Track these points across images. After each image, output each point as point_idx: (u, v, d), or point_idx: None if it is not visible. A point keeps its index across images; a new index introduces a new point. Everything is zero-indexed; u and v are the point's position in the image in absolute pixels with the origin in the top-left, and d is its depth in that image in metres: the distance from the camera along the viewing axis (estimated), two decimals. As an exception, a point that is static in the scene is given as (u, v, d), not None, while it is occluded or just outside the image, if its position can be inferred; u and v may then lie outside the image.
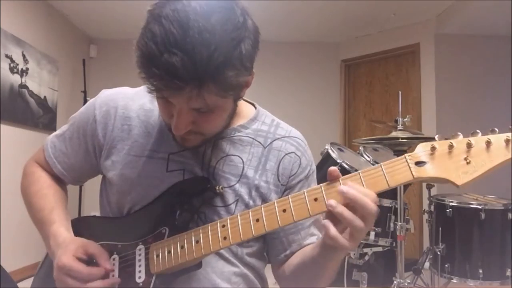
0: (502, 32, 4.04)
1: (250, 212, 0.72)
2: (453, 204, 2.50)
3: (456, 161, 0.62)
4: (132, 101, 0.91)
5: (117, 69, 4.92)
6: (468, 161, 0.61)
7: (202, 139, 0.83)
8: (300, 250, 0.90)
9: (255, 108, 0.96)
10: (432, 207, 2.66)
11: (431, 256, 2.62)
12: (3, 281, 1.58)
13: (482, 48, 4.27)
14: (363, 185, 0.65)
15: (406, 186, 2.70)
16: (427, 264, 2.75)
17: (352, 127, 5.09)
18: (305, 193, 0.69)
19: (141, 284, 0.79)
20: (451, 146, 0.63)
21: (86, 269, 0.78)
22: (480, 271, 2.39)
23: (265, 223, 0.70)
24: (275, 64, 4.98)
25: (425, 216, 2.78)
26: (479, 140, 0.62)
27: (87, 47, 4.92)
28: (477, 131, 0.63)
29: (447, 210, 2.49)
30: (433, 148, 0.64)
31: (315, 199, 0.68)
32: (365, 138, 2.45)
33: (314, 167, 0.96)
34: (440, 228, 2.54)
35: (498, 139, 0.61)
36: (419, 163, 0.64)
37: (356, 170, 0.68)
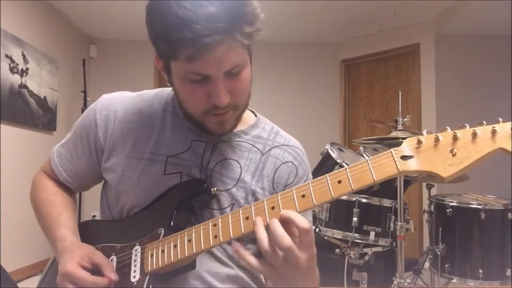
0: (502, 32, 4.04)
1: (240, 211, 0.73)
2: (453, 204, 2.51)
3: (442, 153, 0.62)
4: (132, 105, 0.93)
5: (117, 69, 4.94)
6: (454, 153, 0.61)
7: (236, 116, 0.84)
8: None
9: (256, 116, 0.98)
10: (432, 207, 2.66)
11: (431, 256, 2.62)
12: (3, 281, 1.58)
13: (482, 48, 4.27)
14: (349, 180, 0.65)
15: (406, 186, 2.70)
16: (427, 264, 2.75)
17: (352, 127, 5.09)
18: (294, 190, 0.69)
19: (135, 283, 0.80)
20: (437, 139, 0.63)
21: (90, 278, 0.78)
22: (480, 271, 2.39)
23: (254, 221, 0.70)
24: (275, 64, 4.98)
25: (425, 216, 2.79)
26: (465, 132, 0.62)
27: (87, 47, 4.92)
28: (465, 124, 0.63)
29: (447, 210, 2.49)
30: (419, 142, 0.64)
31: (303, 196, 0.69)
32: (365, 138, 2.45)
33: (310, 176, 0.97)
34: (440, 228, 2.54)
35: (484, 130, 0.61)
36: (405, 157, 0.64)
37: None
